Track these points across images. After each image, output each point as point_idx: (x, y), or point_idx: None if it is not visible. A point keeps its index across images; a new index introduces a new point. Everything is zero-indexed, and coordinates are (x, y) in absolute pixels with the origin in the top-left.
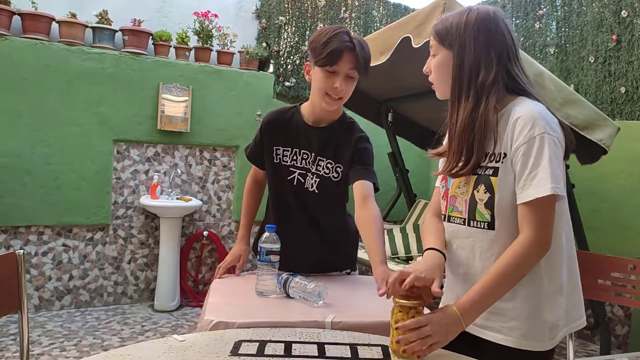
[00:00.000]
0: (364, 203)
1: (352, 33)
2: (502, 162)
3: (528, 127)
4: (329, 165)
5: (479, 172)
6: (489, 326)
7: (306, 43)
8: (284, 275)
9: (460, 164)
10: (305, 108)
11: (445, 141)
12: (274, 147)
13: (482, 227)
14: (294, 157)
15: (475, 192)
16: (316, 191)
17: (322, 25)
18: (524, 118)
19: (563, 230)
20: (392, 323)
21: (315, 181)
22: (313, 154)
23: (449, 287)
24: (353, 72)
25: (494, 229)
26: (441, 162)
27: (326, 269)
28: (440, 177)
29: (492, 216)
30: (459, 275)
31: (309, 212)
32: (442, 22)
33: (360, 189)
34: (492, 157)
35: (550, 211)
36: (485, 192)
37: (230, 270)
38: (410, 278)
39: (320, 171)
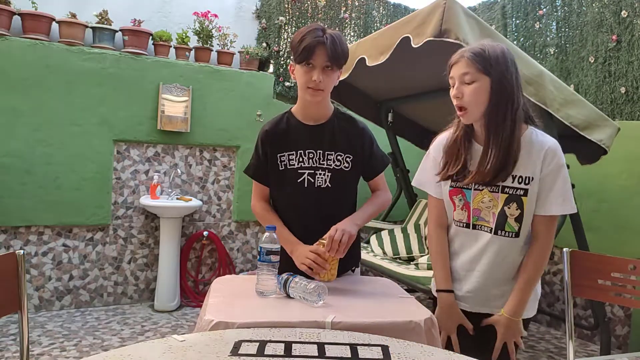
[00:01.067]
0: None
1: (329, 29)
2: (530, 185)
3: (557, 157)
4: (339, 157)
5: (509, 192)
6: (497, 306)
7: None
8: (284, 275)
9: (489, 179)
10: (297, 110)
11: (450, 163)
12: (278, 155)
13: (509, 236)
14: (301, 159)
15: (506, 208)
16: (329, 186)
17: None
18: (552, 149)
19: None
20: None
21: (327, 176)
22: (320, 151)
23: (464, 279)
24: (328, 64)
25: (519, 236)
26: (440, 182)
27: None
28: (447, 191)
29: (520, 228)
30: (472, 271)
31: (323, 210)
32: (479, 52)
33: (373, 186)
34: (521, 180)
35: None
36: (517, 209)
37: (230, 270)
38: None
39: (331, 165)
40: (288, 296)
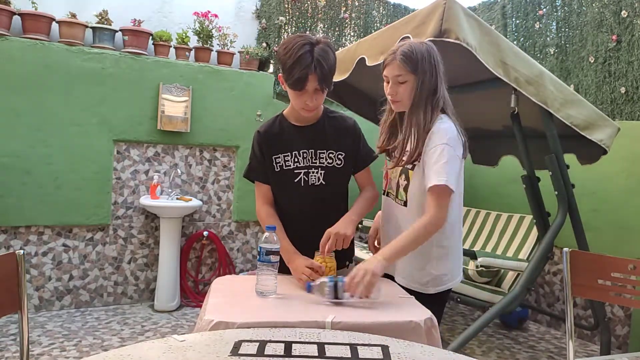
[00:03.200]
0: (362, 190)
1: (317, 44)
2: (419, 161)
3: (435, 139)
4: (330, 155)
5: (402, 165)
6: (398, 273)
7: None
8: (327, 280)
9: (404, 162)
10: (289, 113)
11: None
12: (273, 157)
13: (401, 204)
14: (296, 160)
15: (400, 179)
16: (323, 183)
17: (322, 25)
18: (433, 132)
19: (453, 213)
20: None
21: (320, 174)
22: (312, 150)
23: (383, 239)
24: (319, 87)
25: (407, 206)
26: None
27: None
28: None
29: (407, 198)
30: (388, 234)
31: (317, 207)
32: (408, 54)
33: (360, 179)
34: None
35: (445, 197)
36: (404, 180)
37: (230, 270)
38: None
39: (323, 163)
40: (337, 300)
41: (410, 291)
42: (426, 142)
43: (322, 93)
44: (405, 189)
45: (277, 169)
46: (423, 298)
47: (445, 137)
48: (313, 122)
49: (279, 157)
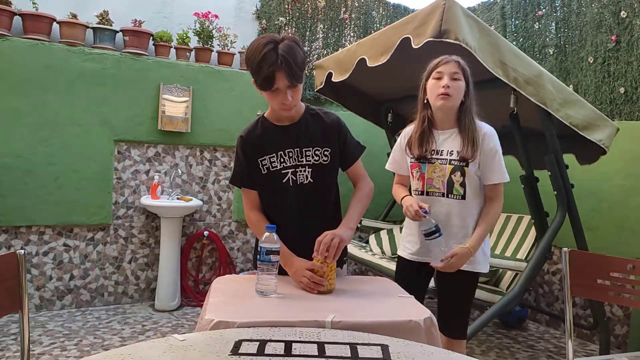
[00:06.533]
0: (356, 185)
1: (281, 41)
2: (473, 159)
3: (493, 141)
4: (317, 152)
5: (454, 163)
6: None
7: (306, 44)
8: (434, 226)
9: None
10: (270, 114)
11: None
12: (259, 160)
13: (457, 198)
14: (282, 160)
15: (452, 176)
16: (311, 181)
17: (322, 26)
18: (489, 135)
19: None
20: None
21: (308, 172)
22: (297, 149)
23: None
24: (289, 84)
25: (465, 199)
26: (395, 161)
27: None
28: (409, 166)
29: (464, 191)
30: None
31: (307, 205)
32: (462, 62)
33: (352, 174)
34: None
35: (502, 189)
36: (460, 176)
37: (231, 270)
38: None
39: (310, 160)
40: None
41: (472, 274)
42: (481, 142)
43: (296, 89)
44: (463, 184)
45: (264, 171)
46: (474, 277)
47: (496, 139)
48: (295, 121)
49: (264, 159)
